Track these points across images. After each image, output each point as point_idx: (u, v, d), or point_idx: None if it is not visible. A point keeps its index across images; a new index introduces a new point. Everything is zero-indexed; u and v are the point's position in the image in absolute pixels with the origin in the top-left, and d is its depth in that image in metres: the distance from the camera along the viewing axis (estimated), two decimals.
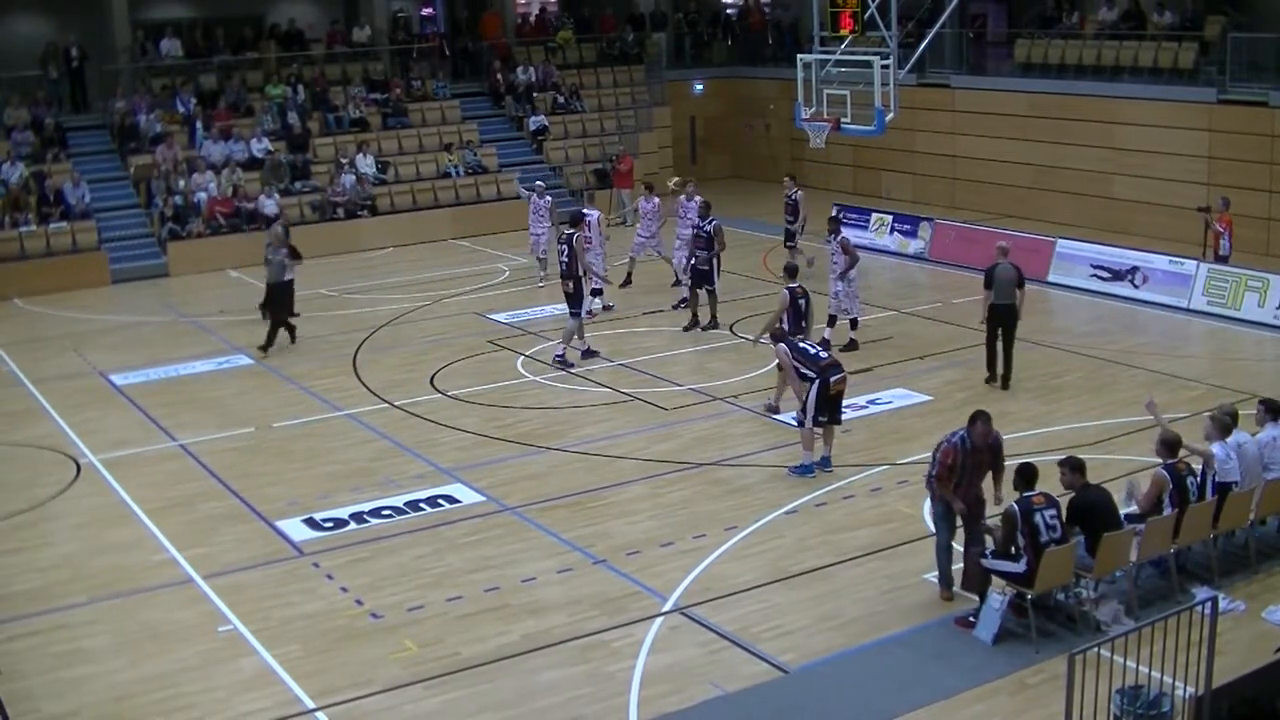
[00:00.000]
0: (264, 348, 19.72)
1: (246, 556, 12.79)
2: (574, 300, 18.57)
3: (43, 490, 14.82)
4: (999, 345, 17.05)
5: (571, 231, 18.65)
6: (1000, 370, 17.11)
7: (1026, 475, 10.70)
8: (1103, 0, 28.41)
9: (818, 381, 14.12)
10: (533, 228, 23.87)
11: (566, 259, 18.48)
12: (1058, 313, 21.68)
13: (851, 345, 18.84)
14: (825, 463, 14.56)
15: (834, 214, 20.78)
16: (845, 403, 16.34)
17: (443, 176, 30.11)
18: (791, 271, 17.12)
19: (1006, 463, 11.39)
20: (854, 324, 19.09)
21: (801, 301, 16.34)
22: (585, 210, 20.99)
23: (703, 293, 20.19)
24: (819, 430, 14.40)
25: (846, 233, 19.97)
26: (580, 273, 18.63)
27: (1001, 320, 16.93)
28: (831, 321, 19.04)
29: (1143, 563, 11.18)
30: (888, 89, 19.09)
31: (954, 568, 11.40)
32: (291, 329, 20.29)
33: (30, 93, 28.97)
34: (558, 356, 18.73)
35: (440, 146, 30.78)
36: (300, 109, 30.40)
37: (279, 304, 20.09)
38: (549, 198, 24.21)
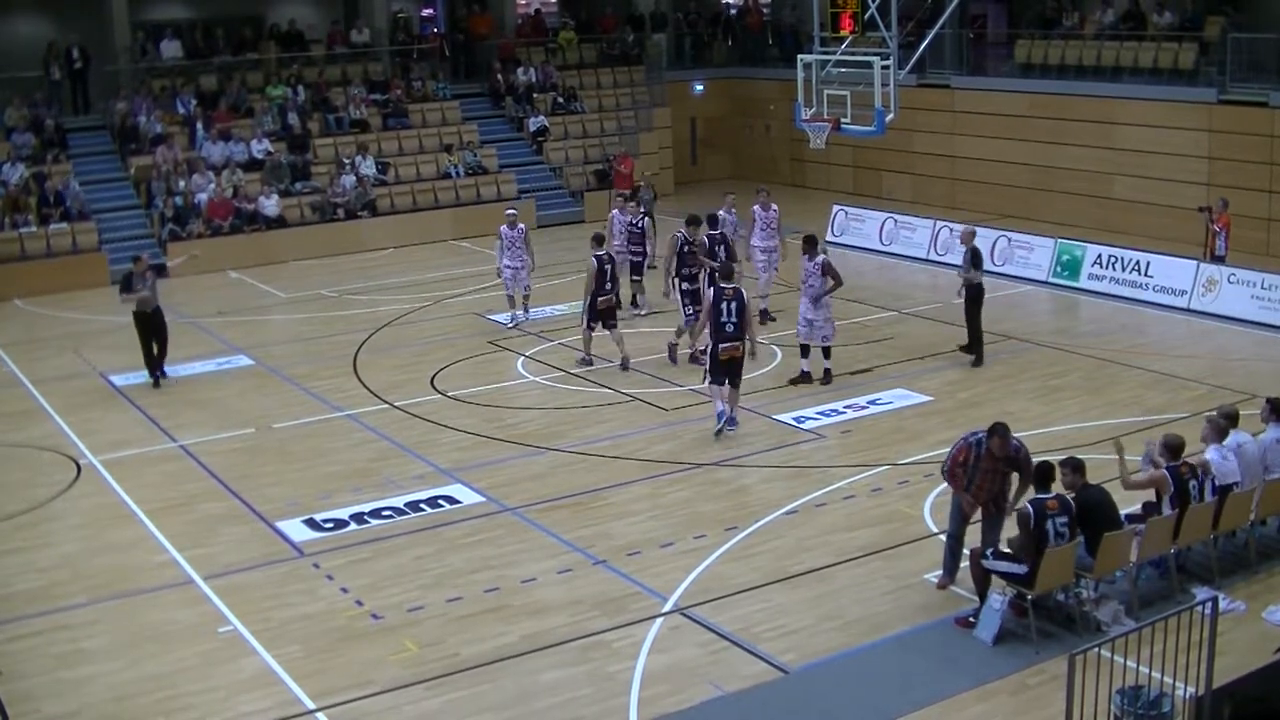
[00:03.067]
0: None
1: (247, 557, 12.79)
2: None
3: (43, 491, 14.82)
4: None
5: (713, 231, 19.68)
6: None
7: (1043, 475, 10.62)
8: (1100, 1, 28.41)
9: (713, 344, 15.30)
10: (509, 260, 20.78)
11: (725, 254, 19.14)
12: (1057, 312, 21.70)
13: (826, 376, 17.38)
14: (731, 422, 15.53)
15: (813, 233, 18.76)
16: (845, 403, 16.62)
17: (443, 177, 30.12)
18: (598, 240, 18.88)
19: None
20: (827, 353, 17.42)
21: (608, 267, 18.30)
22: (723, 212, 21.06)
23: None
24: (719, 388, 15.51)
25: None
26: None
27: (981, 296, 18.01)
28: (805, 352, 17.45)
29: (1143, 563, 11.18)
30: (888, 89, 19.04)
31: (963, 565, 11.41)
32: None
33: (30, 93, 28.97)
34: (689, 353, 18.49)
35: (440, 147, 30.78)
36: (300, 110, 30.41)
37: (159, 331, 18.60)
38: (523, 226, 21.13)
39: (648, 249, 21.60)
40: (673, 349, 18.57)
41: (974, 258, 17.91)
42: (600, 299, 18.26)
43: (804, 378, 17.43)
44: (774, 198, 21.49)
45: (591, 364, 18.54)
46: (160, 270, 19.39)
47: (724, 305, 15.18)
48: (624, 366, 18.31)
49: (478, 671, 10.46)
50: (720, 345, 15.21)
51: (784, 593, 11.65)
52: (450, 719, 9.86)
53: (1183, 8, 26.94)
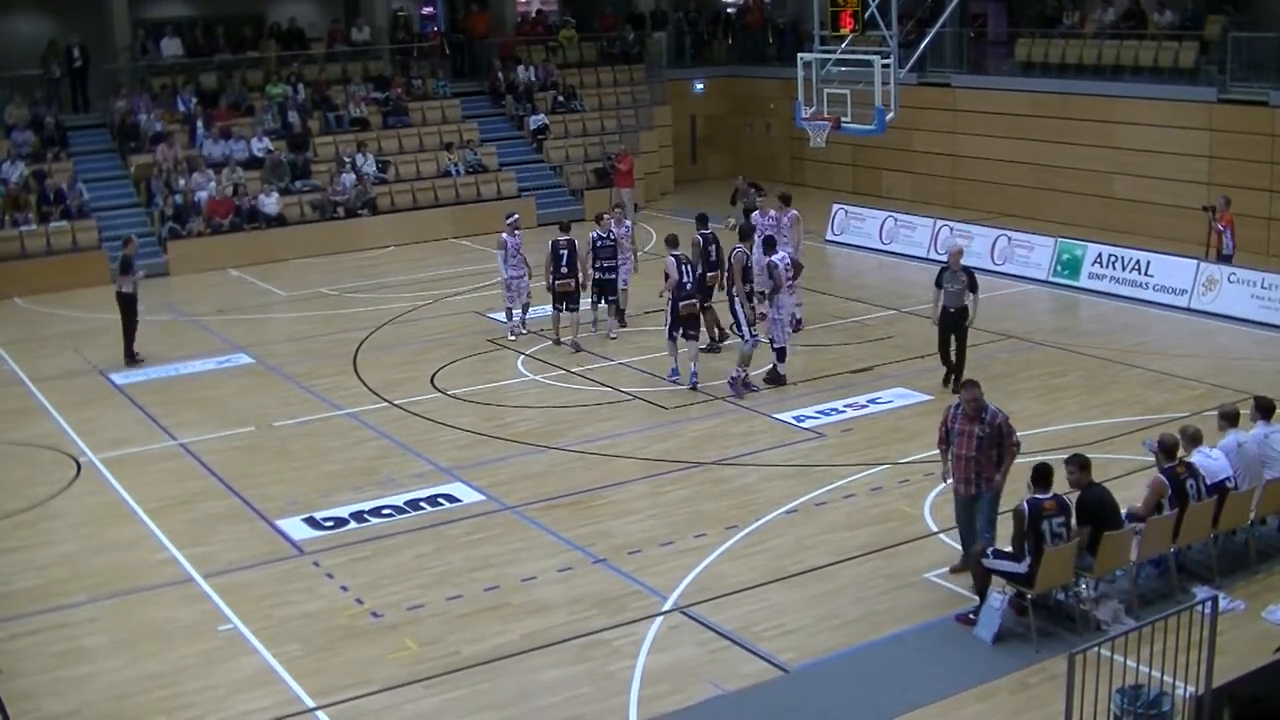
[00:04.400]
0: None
1: (247, 555, 12.80)
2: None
3: (43, 489, 14.82)
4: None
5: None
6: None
7: (1040, 475, 10.59)
8: (1101, 0, 28.42)
9: (672, 301, 16.99)
10: (509, 271, 19.91)
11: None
12: (1058, 312, 21.70)
13: (774, 378, 17.30)
14: (675, 373, 17.40)
15: (768, 234, 19.00)
16: (845, 402, 16.67)
17: (443, 175, 30.11)
18: (564, 227, 19.91)
19: (1021, 460, 11.47)
20: (781, 355, 17.26)
21: (563, 253, 19.23)
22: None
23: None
24: (675, 344, 17.22)
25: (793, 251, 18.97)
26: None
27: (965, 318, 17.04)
28: (781, 355, 17.35)
29: (1143, 562, 11.19)
30: (888, 88, 19.06)
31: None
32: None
33: (31, 91, 28.96)
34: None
35: (440, 145, 30.77)
36: (300, 108, 30.40)
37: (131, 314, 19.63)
38: (520, 235, 20.27)
39: (620, 264, 19.74)
40: (744, 380, 17.19)
41: (970, 278, 16.95)
42: (558, 283, 19.19)
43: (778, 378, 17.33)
44: (793, 204, 20.74)
45: (577, 351, 19.19)
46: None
47: (682, 268, 17.11)
48: (571, 346, 19.36)
49: (477, 670, 10.46)
50: (680, 302, 16.98)
51: (784, 592, 11.65)
52: (450, 717, 9.86)
53: (1183, 7, 26.92)
